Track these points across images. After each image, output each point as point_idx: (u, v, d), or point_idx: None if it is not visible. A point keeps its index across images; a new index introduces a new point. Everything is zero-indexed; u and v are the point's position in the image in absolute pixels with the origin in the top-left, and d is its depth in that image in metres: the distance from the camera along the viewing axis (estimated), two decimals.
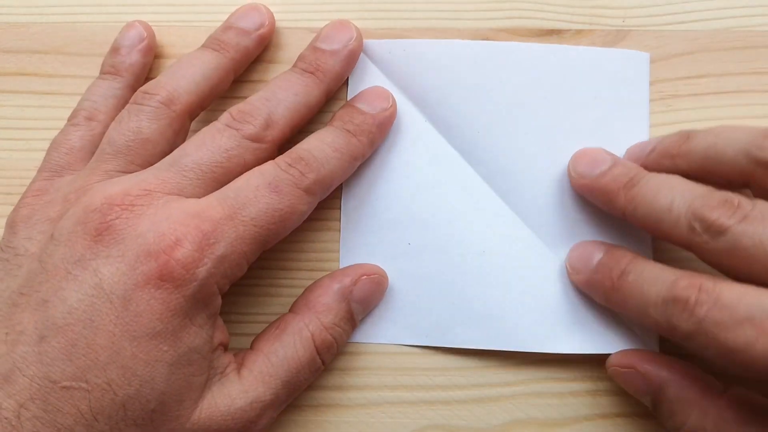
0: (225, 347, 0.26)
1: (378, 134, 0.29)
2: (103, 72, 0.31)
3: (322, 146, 0.27)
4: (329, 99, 0.30)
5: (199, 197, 0.26)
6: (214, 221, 0.24)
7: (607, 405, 0.29)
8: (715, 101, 0.30)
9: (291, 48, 0.31)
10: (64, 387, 0.23)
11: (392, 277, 0.30)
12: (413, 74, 0.30)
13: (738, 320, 0.22)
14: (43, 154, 0.29)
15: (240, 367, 0.26)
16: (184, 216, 0.24)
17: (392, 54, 0.31)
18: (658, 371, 0.26)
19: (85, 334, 0.23)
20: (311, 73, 0.29)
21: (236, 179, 0.26)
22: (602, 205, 0.28)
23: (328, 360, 0.28)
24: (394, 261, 0.30)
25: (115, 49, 0.31)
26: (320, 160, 0.27)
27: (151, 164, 0.27)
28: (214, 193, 0.26)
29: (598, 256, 0.28)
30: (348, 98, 0.31)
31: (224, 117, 0.27)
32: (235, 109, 0.27)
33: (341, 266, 0.30)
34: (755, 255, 0.23)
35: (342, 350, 0.30)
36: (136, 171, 0.27)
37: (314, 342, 0.27)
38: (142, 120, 0.27)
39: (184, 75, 0.28)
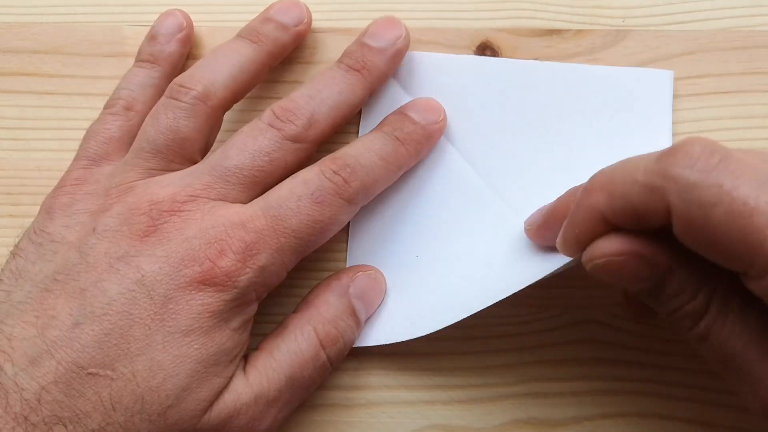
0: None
1: (426, 146, 0.29)
2: (140, 60, 0.30)
3: (369, 154, 0.27)
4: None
5: (242, 201, 0.26)
6: (257, 232, 0.25)
7: (607, 405, 0.29)
8: (715, 101, 0.30)
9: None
10: (90, 373, 0.23)
11: (399, 289, 0.29)
12: (430, 87, 0.30)
13: (762, 181, 0.18)
14: (43, 154, 0.29)
15: (246, 365, 0.26)
16: (230, 225, 0.25)
17: (409, 66, 0.30)
18: (666, 252, 0.21)
19: (121, 325, 0.24)
20: (357, 71, 0.29)
21: (280, 186, 0.26)
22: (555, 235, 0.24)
23: (334, 356, 0.27)
24: (401, 273, 0.29)
25: (152, 37, 0.30)
26: (366, 167, 0.27)
27: (190, 161, 0.27)
28: (258, 202, 0.26)
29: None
30: (362, 107, 0.30)
31: (267, 115, 0.27)
32: (278, 106, 0.27)
33: None
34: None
35: (349, 349, 0.29)
36: (177, 169, 0.27)
37: (317, 335, 0.27)
38: (180, 118, 0.27)
39: (221, 68, 0.28)
